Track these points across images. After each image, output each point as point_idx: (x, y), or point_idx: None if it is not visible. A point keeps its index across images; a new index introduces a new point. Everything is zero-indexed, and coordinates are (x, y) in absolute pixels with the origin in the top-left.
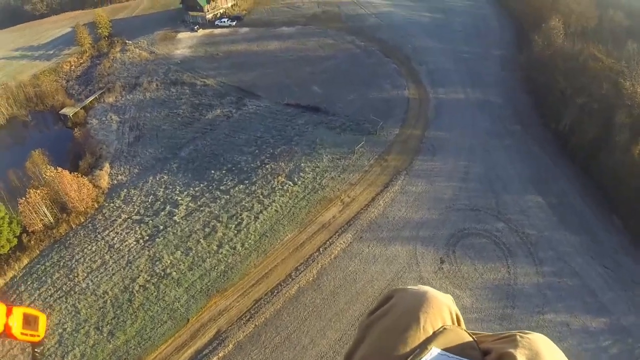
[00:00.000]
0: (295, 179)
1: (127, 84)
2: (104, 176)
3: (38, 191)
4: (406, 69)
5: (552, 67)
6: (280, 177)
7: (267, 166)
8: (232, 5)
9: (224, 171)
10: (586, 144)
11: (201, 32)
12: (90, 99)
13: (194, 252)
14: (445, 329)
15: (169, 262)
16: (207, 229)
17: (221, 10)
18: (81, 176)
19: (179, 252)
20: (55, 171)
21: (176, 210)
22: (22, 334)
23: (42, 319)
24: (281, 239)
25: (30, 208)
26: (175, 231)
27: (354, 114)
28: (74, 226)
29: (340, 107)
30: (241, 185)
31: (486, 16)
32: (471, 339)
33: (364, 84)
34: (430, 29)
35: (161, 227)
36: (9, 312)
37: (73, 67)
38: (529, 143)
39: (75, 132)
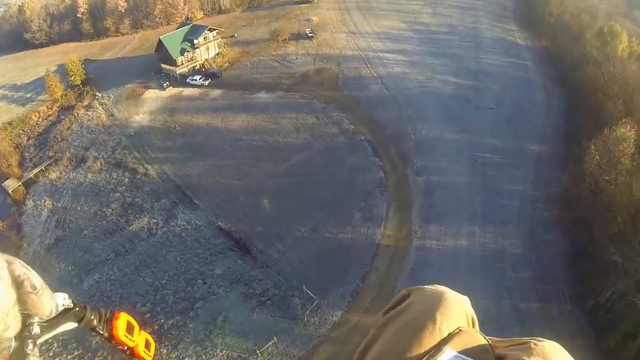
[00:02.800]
0: None
1: (75, 156)
2: None
3: None
4: (395, 182)
5: (607, 205)
6: None
7: None
8: (216, 55)
9: None
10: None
11: (169, 90)
12: (35, 171)
13: None
14: (460, 330)
15: None
16: None
17: (199, 62)
18: None
19: None
20: None
21: None
22: (144, 352)
23: (153, 346)
24: None
25: None
26: None
27: (289, 272)
28: None
29: (278, 252)
30: None
31: (530, 83)
32: (486, 343)
33: (328, 205)
34: (450, 105)
35: None
36: (139, 333)
37: (40, 119)
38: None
39: None
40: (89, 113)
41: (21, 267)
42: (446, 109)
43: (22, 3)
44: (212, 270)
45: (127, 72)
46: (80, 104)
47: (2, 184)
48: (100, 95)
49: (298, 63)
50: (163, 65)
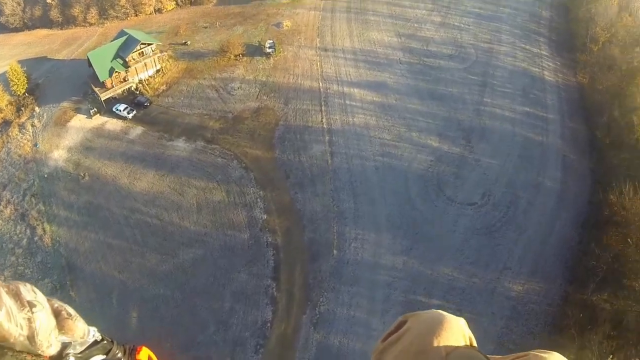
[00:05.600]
0: None
1: None
2: None
3: None
4: (281, 334)
5: None
6: None
7: None
8: (155, 72)
9: None
10: None
11: (95, 119)
12: None
13: None
14: (458, 349)
15: None
16: None
17: (134, 84)
18: None
19: None
20: None
21: None
22: None
23: None
24: None
25: None
26: None
27: None
28: None
29: None
30: None
31: (544, 154)
32: (484, 359)
33: (188, 349)
34: (412, 195)
35: None
36: None
37: None
38: None
39: None
40: (19, 137)
41: (58, 302)
42: (403, 204)
43: None
44: None
45: (71, 81)
46: (17, 120)
47: None
48: (37, 111)
49: (238, 96)
50: (93, 87)
